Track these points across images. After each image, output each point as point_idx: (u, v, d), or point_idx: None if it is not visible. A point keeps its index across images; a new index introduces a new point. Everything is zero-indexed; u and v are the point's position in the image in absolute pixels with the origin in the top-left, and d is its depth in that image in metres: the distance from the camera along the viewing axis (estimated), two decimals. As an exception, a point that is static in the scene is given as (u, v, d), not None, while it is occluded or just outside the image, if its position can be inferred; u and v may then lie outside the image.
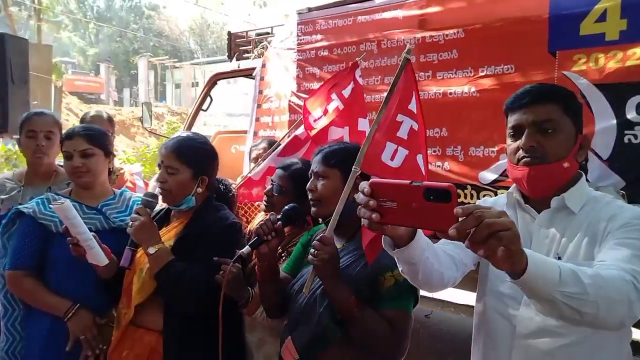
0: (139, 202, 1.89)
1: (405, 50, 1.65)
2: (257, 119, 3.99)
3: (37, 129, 2.45)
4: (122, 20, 39.85)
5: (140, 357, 1.81)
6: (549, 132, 1.33)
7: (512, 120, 1.40)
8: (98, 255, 1.84)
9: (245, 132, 4.23)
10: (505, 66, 2.58)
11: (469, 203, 2.68)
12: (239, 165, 3.88)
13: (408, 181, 0.98)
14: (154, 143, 9.28)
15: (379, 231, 1.05)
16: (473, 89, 2.68)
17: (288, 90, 3.62)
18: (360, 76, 2.51)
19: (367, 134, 2.26)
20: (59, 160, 2.60)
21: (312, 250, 1.49)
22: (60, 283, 2.03)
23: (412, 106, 1.67)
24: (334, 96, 2.48)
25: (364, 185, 1.04)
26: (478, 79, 2.67)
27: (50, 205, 1.97)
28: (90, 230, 1.87)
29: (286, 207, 1.71)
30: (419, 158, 1.63)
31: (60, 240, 1.96)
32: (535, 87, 1.42)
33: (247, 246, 1.61)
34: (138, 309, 1.83)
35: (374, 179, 1.03)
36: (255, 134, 3.97)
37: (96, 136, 2.11)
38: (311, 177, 1.69)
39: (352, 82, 2.46)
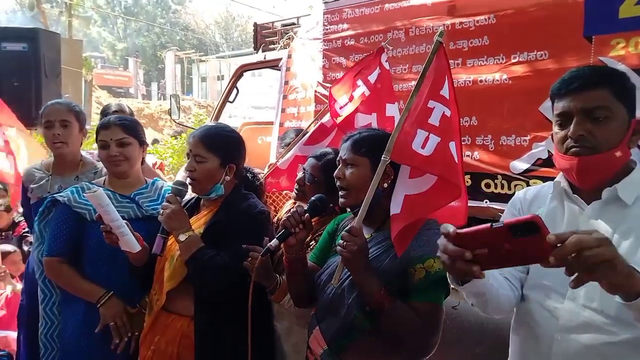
0: (170, 191, 1.91)
1: (438, 33, 1.60)
2: (283, 110, 3.98)
3: (53, 119, 2.46)
4: (149, 15, 40.37)
5: (171, 342, 1.84)
6: (600, 119, 1.23)
7: (559, 107, 1.30)
8: (130, 242, 1.87)
9: (271, 123, 4.24)
10: (539, 52, 2.50)
11: (499, 193, 2.67)
12: (266, 156, 3.89)
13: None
14: (182, 136, 9.39)
15: (476, 277, 1.02)
16: (505, 77, 2.61)
17: (314, 80, 3.61)
18: (386, 61, 2.45)
19: (395, 120, 2.22)
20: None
21: (340, 241, 1.46)
22: (94, 270, 2.07)
23: (445, 92, 1.60)
24: (359, 82, 2.44)
25: (445, 242, 1.02)
26: (510, 65, 2.60)
27: (84, 194, 2.00)
28: (123, 218, 1.89)
29: (313, 198, 1.68)
30: (452, 145, 1.56)
31: (94, 228, 2.00)
32: (584, 70, 1.32)
33: (275, 239, 1.60)
34: (169, 295, 1.85)
35: (457, 230, 1.00)
36: (281, 124, 3.97)
37: (131, 126, 2.15)
38: (339, 164, 1.65)
39: (378, 68, 2.41)
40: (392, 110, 2.38)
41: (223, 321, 1.80)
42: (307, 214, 1.59)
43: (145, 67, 36.31)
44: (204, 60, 29.51)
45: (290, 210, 1.72)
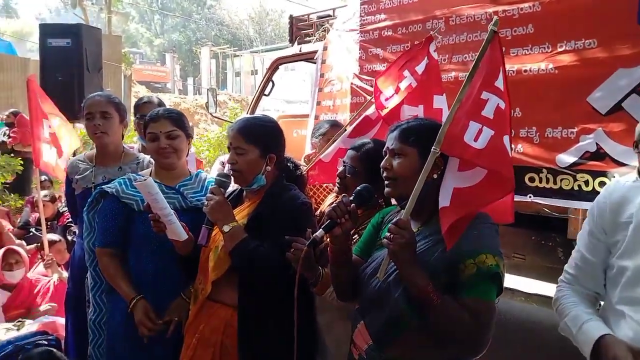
0: (214, 183, 1.93)
1: (493, 22, 1.54)
2: (319, 103, 3.96)
3: (94, 110, 2.52)
4: (185, 11, 41.02)
5: (216, 331, 1.86)
6: None
7: None
8: (178, 230, 1.90)
9: (306, 116, 4.23)
10: (587, 41, 2.39)
11: (544, 188, 2.58)
12: (301, 148, 3.88)
13: None
14: (218, 129, 9.51)
15: None
16: (550, 66, 2.51)
17: (350, 72, 3.56)
18: (435, 51, 2.39)
19: (443, 113, 2.16)
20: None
21: (387, 234, 1.43)
22: (141, 260, 2.12)
23: (499, 83, 1.54)
24: (406, 73, 2.38)
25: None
26: (556, 55, 2.50)
27: (134, 183, 2.05)
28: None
29: (358, 188, 1.65)
30: (505, 139, 1.50)
31: (141, 219, 2.05)
32: None
33: (321, 229, 1.57)
34: (214, 284, 1.88)
35: None
36: (317, 117, 3.95)
37: (179, 119, 2.19)
38: (385, 155, 1.61)
39: (426, 58, 2.34)
40: (440, 102, 2.31)
41: (266, 312, 1.82)
42: (353, 204, 1.56)
43: (182, 63, 36.94)
44: (238, 55, 29.80)
45: (334, 202, 1.70)
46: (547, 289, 2.77)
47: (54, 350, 2.67)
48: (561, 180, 2.47)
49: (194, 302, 1.97)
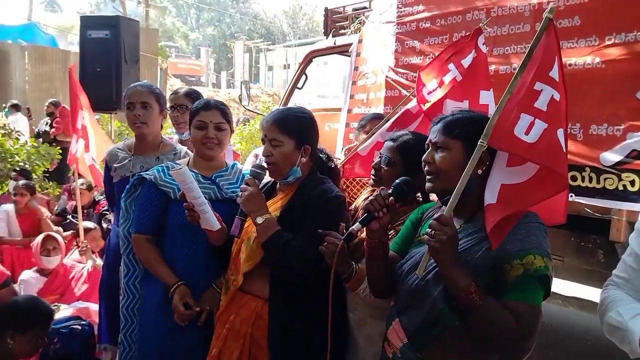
0: (249, 174, 1.92)
1: (548, 9, 1.45)
2: (352, 96, 3.91)
3: (134, 100, 2.54)
4: (220, 5, 41.48)
5: (246, 322, 1.86)
6: None
7: None
8: (211, 220, 1.91)
9: (339, 109, 4.19)
10: (639, 33, 2.27)
11: (586, 187, 2.47)
12: (333, 142, 3.85)
13: None
14: (250, 123, 9.56)
15: None
16: (597, 60, 2.39)
17: (385, 65, 3.50)
18: (484, 44, 2.29)
19: (490, 109, 2.06)
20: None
21: (428, 230, 1.37)
22: (175, 249, 2.13)
23: (554, 73, 1.45)
24: (451, 66, 2.29)
25: None
26: (604, 48, 2.38)
27: (170, 172, 2.06)
28: (205, 199, 1.93)
29: (397, 181, 1.58)
30: (560, 133, 1.41)
31: (177, 207, 2.06)
32: None
33: (358, 223, 1.53)
34: (246, 276, 1.87)
35: None
36: (350, 111, 3.91)
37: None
38: (428, 148, 1.55)
39: (473, 51, 2.25)
40: (487, 98, 2.21)
41: (297, 305, 1.80)
42: (391, 198, 1.51)
43: (216, 56, 37.38)
44: (271, 50, 29.94)
45: (369, 196, 1.65)
46: (585, 292, 2.67)
47: (40, 299, 2.81)
48: (605, 179, 2.36)
49: (225, 292, 1.97)
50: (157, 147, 2.61)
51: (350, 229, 1.54)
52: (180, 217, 1.99)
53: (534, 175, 1.41)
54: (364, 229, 1.53)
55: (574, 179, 2.46)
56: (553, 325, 3.49)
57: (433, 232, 1.34)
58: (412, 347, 1.46)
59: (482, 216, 1.41)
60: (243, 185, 1.86)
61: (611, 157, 2.33)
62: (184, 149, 2.64)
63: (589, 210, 2.49)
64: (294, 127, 1.87)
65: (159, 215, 2.15)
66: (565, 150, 1.41)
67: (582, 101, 2.44)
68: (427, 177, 1.53)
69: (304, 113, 1.96)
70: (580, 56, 2.45)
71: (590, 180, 2.42)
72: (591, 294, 2.61)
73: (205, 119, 2.12)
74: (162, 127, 2.69)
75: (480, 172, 1.45)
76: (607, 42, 2.36)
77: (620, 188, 2.31)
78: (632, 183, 2.27)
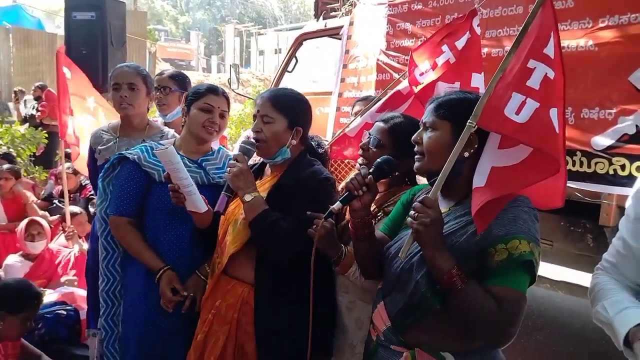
0: (239, 150, 1.87)
1: None
2: (343, 80, 3.86)
3: (120, 82, 2.48)
4: (210, -12, 40.88)
5: (232, 307, 1.82)
6: None
7: None
8: (198, 202, 1.86)
9: (329, 93, 4.14)
10: (633, 15, 2.24)
11: (577, 171, 2.46)
12: (324, 127, 3.80)
13: None
14: (238, 108, 9.47)
15: None
16: (590, 43, 2.37)
17: (376, 48, 3.46)
18: (478, 25, 2.24)
19: (480, 92, 2.03)
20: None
21: (411, 212, 1.33)
22: (158, 233, 2.07)
23: (549, 50, 1.39)
24: (444, 48, 2.24)
25: None
26: (597, 31, 2.35)
27: (155, 151, 2.00)
28: None
29: (378, 160, 1.57)
30: (553, 112, 1.35)
31: (160, 189, 2.00)
32: None
33: (338, 202, 1.52)
34: (232, 260, 1.84)
35: None
36: (340, 95, 3.86)
37: (229, 102, 2.16)
38: (420, 128, 1.52)
39: (467, 32, 2.20)
40: (478, 80, 2.18)
41: (284, 289, 1.77)
42: (370, 176, 1.49)
43: (206, 41, 36.92)
44: (262, 34, 29.62)
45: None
46: (574, 276, 2.68)
47: (30, 281, 2.80)
48: (596, 163, 2.35)
49: (211, 276, 1.93)
50: (143, 130, 2.55)
51: (330, 207, 1.52)
52: (164, 200, 1.94)
53: (525, 157, 1.36)
54: (347, 208, 1.50)
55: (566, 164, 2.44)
56: (542, 309, 3.52)
57: (416, 214, 1.31)
58: (394, 330, 1.45)
59: (471, 199, 1.37)
60: (231, 161, 1.80)
61: (602, 141, 2.31)
62: (171, 131, 2.58)
63: (579, 195, 2.48)
64: (288, 106, 1.84)
65: (141, 197, 2.08)
66: (558, 131, 1.36)
67: (574, 85, 2.41)
68: (415, 157, 1.50)
69: (300, 95, 1.93)
70: (573, 39, 2.42)
71: (581, 165, 2.41)
72: (580, 278, 2.62)
73: (213, 103, 2.07)
74: (148, 109, 2.63)
75: (467, 154, 1.40)
76: (601, 25, 2.34)
77: (611, 172, 2.30)
78: (623, 167, 2.27)
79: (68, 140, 3.78)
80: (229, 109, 2.15)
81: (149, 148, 2.12)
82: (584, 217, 2.59)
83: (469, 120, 1.36)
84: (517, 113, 1.34)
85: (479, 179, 1.37)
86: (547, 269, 2.82)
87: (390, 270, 1.49)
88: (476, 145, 1.42)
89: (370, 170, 1.53)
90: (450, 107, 1.45)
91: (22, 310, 2.45)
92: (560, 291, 2.83)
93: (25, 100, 8.36)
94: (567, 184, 2.37)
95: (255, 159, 1.95)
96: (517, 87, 1.36)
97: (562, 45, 2.37)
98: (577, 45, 2.40)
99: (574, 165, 2.42)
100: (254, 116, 1.87)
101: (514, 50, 1.39)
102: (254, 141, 1.86)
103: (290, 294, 1.77)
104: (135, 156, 2.08)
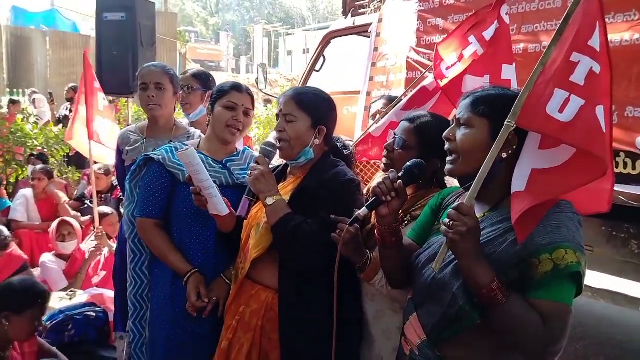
0: (260, 152, 1.84)
1: None
2: (371, 78, 3.78)
3: (148, 81, 2.46)
4: (239, -11, 41.25)
5: (256, 314, 1.78)
6: None
7: None
8: (219, 205, 1.82)
9: (358, 92, 4.06)
10: (683, 6, 2.10)
11: (620, 173, 2.32)
12: (351, 127, 3.73)
13: None
14: (267, 107, 9.49)
15: None
16: (636, 36, 2.23)
17: (406, 45, 3.36)
18: (507, 14, 2.14)
19: (512, 84, 1.91)
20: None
21: (446, 220, 1.23)
22: (182, 235, 2.05)
23: (594, 42, 1.28)
24: (471, 39, 2.14)
25: None
26: (643, 23, 2.21)
27: (176, 153, 1.97)
28: (215, 183, 1.85)
29: (409, 163, 1.49)
30: (599, 110, 1.25)
31: (184, 191, 1.98)
32: None
33: (364, 207, 1.45)
34: (256, 265, 1.79)
35: None
36: (369, 93, 3.78)
37: (253, 100, 2.12)
38: (452, 124, 1.42)
39: (496, 22, 2.10)
40: (509, 72, 2.07)
41: (308, 295, 1.71)
42: (399, 181, 1.40)
43: (235, 42, 37.28)
44: (290, 34, 29.72)
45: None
46: (617, 284, 2.54)
47: (35, 280, 2.79)
48: (641, 165, 2.21)
49: (235, 281, 1.89)
50: (170, 130, 2.53)
51: (356, 213, 1.45)
52: (188, 201, 1.91)
53: (569, 159, 1.26)
54: (374, 214, 1.43)
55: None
56: (582, 318, 3.36)
57: (451, 222, 1.22)
58: (430, 345, 1.36)
59: (508, 204, 1.28)
60: (253, 164, 1.76)
61: (648, 141, 2.18)
62: (198, 132, 2.55)
63: (622, 198, 2.34)
64: (311, 105, 1.78)
65: (166, 198, 2.06)
66: (605, 130, 1.25)
67: (618, 81, 2.27)
68: (448, 157, 1.40)
69: (324, 94, 1.88)
70: (617, 32, 2.28)
71: (625, 166, 2.28)
72: (622, 286, 2.48)
73: (237, 100, 2.03)
74: (175, 109, 2.61)
75: (505, 155, 1.30)
76: (648, 17, 2.20)
77: (658, 174, 2.17)
78: (671, 169, 2.12)
79: (73, 145, 3.86)
80: (253, 107, 2.11)
81: (173, 148, 2.09)
82: (627, 222, 2.46)
83: (507, 119, 1.25)
84: (561, 111, 1.24)
85: (519, 183, 1.27)
86: (588, 276, 2.69)
87: (421, 280, 1.40)
88: (515, 146, 1.31)
89: (400, 175, 1.44)
90: (489, 103, 1.35)
91: (27, 310, 2.44)
92: (602, 299, 2.69)
93: (34, 100, 8.62)
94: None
95: (278, 161, 1.90)
96: (559, 83, 1.26)
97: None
98: (622, 40, 2.27)
99: (617, 166, 2.29)
100: (277, 115, 1.83)
101: (556, 43, 1.28)
102: (274, 142, 1.81)
103: (315, 301, 1.71)
104: (160, 157, 2.06)
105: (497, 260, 1.24)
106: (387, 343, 1.73)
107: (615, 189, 2.24)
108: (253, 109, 2.11)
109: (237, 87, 2.07)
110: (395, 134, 1.80)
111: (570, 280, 1.21)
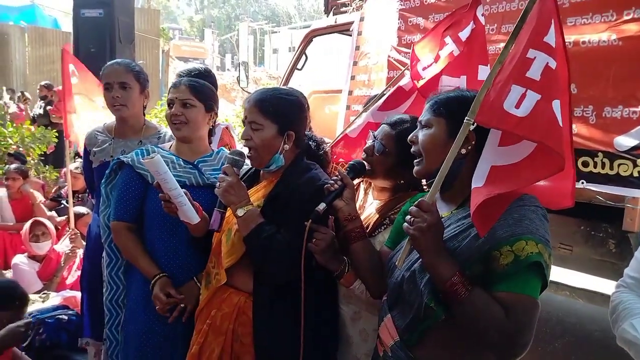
0: (226, 162, 1.78)
1: None
2: (353, 77, 3.75)
3: (111, 81, 2.36)
4: (225, -14, 40.99)
5: (227, 318, 1.74)
6: None
7: None
8: (189, 213, 1.78)
9: (339, 91, 4.03)
10: (661, 7, 2.10)
11: (598, 173, 2.33)
12: (333, 125, 3.70)
13: None
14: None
15: None
16: (614, 37, 2.22)
17: (387, 44, 3.33)
18: (482, 15, 2.12)
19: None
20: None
21: (407, 217, 1.24)
22: (154, 238, 2.01)
23: (550, 38, 1.29)
24: (448, 40, 2.12)
25: None
26: (621, 24, 2.20)
27: (142, 160, 1.94)
28: (184, 184, 1.82)
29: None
30: (555, 105, 1.25)
31: (155, 193, 1.93)
32: None
33: (322, 203, 1.52)
34: (229, 268, 1.75)
35: None
36: (351, 92, 3.75)
37: (200, 89, 2.02)
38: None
39: (471, 22, 2.08)
40: (485, 72, 2.03)
41: (283, 300, 1.68)
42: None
43: (220, 39, 37.03)
44: (276, 32, 29.61)
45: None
46: (595, 283, 2.55)
47: (17, 283, 2.73)
48: (619, 165, 2.21)
49: (206, 286, 1.85)
50: (139, 130, 2.46)
51: (316, 209, 1.52)
52: (158, 204, 1.86)
53: (528, 155, 1.26)
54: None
55: (585, 164, 2.31)
56: (560, 317, 3.38)
57: (412, 219, 1.22)
58: (402, 345, 1.35)
59: None
60: (221, 175, 1.70)
61: (626, 141, 2.17)
62: (169, 132, 2.47)
63: (601, 198, 2.35)
64: (276, 111, 1.72)
65: (139, 201, 2.02)
66: (562, 125, 1.25)
67: (597, 81, 2.28)
68: (414, 160, 1.43)
69: (290, 95, 1.80)
70: (595, 33, 2.27)
71: (603, 166, 2.27)
72: (600, 285, 2.49)
73: (172, 96, 2.00)
74: (144, 107, 2.52)
75: (464, 151, 1.32)
76: (626, 18, 2.19)
77: (636, 175, 2.16)
78: (648, 169, 2.13)
79: (72, 140, 3.72)
80: (199, 96, 2.00)
81: (144, 151, 2.05)
82: (605, 222, 2.47)
83: (466, 117, 1.26)
84: (517, 107, 1.24)
85: (478, 179, 1.28)
86: (566, 275, 2.70)
87: (392, 281, 1.40)
88: (473, 142, 1.33)
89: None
90: (447, 104, 1.38)
91: (6, 311, 2.38)
92: (580, 299, 2.70)
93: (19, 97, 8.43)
94: (589, 187, 2.28)
95: (248, 164, 1.86)
96: (516, 79, 1.26)
97: (583, 39, 2.28)
98: (600, 40, 2.26)
99: (595, 167, 2.29)
100: (243, 121, 1.77)
101: (513, 40, 1.28)
102: (241, 151, 1.78)
103: (290, 305, 1.67)
104: (130, 159, 2.02)
105: (460, 255, 1.25)
106: (363, 344, 1.72)
107: (593, 188, 2.28)
108: (201, 99, 2.01)
109: (173, 84, 2.05)
110: (375, 136, 1.78)
111: (533, 272, 1.20)
